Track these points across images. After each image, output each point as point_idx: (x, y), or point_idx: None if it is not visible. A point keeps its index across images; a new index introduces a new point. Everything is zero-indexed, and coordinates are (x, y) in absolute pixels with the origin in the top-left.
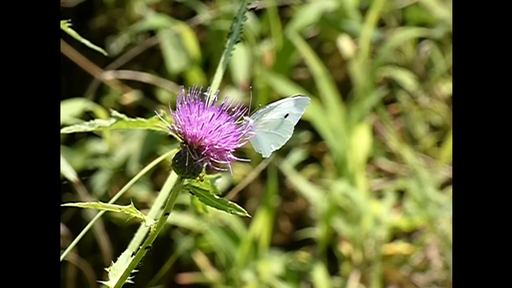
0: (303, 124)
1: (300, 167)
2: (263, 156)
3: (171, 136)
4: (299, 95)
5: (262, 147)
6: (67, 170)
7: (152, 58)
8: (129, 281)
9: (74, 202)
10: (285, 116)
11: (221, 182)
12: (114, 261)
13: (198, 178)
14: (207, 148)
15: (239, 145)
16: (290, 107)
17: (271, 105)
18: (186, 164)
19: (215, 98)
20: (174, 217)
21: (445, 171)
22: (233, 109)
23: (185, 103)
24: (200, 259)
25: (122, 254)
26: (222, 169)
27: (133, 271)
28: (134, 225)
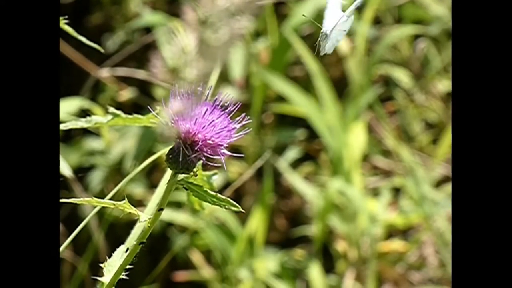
0: (299, 122)
1: (296, 164)
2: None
3: None
4: None
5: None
6: (63, 167)
7: (148, 55)
8: (124, 277)
9: (69, 198)
10: None
11: (217, 180)
12: (109, 258)
13: (192, 173)
14: (200, 143)
15: (232, 140)
16: None
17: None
18: (180, 159)
19: (208, 94)
20: (170, 215)
21: (441, 169)
22: (226, 104)
23: (179, 98)
24: (196, 257)
25: (117, 250)
26: (217, 165)
27: (128, 267)
28: (131, 223)
